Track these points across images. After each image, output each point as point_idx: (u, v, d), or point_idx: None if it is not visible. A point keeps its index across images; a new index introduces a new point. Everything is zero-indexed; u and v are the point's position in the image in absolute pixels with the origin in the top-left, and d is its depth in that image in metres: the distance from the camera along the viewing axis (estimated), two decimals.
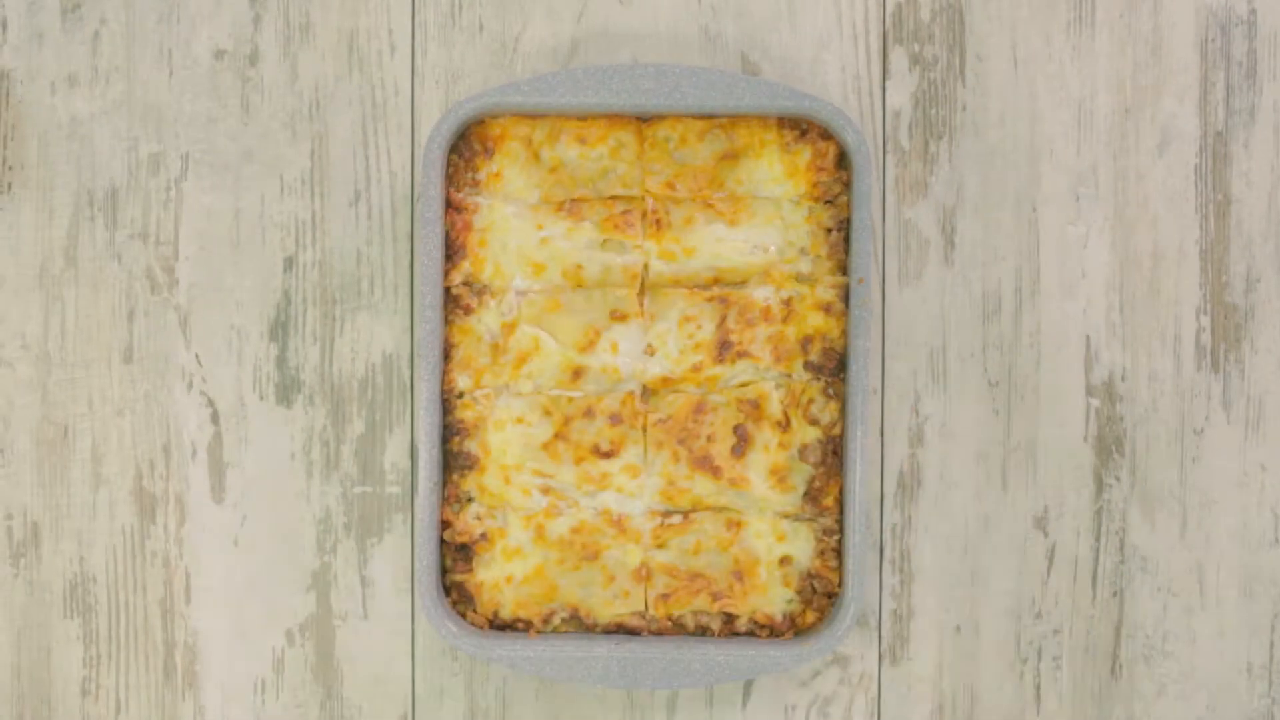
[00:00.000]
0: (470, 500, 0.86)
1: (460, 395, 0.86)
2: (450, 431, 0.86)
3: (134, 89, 0.90)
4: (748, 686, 0.89)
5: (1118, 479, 0.90)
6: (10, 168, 0.90)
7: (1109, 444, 0.90)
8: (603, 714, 0.89)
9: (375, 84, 0.90)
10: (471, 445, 0.86)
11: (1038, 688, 0.89)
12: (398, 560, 0.89)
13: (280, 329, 0.90)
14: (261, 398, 0.90)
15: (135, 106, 0.90)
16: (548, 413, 0.86)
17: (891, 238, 0.90)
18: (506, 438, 0.86)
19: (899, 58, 0.90)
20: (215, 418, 0.90)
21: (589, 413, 0.85)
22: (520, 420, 0.86)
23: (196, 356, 0.90)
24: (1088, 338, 0.90)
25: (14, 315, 0.90)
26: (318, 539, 0.90)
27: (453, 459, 0.86)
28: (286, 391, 0.90)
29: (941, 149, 0.90)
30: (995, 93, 0.90)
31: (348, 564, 0.89)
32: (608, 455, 0.85)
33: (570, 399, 0.86)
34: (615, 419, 0.85)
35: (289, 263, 0.90)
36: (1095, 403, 0.90)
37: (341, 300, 0.90)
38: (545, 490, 0.86)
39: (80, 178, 0.90)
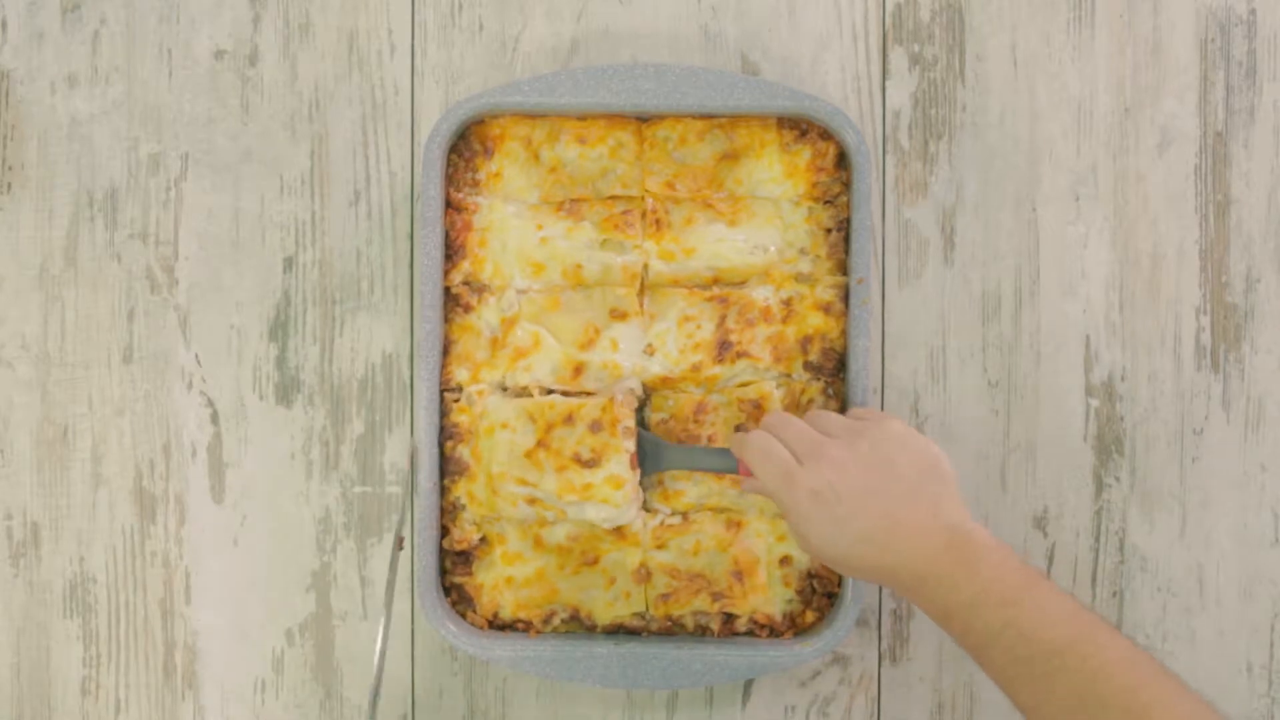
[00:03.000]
0: (463, 508, 0.85)
1: (456, 391, 0.86)
2: (444, 435, 0.86)
3: (134, 89, 0.90)
4: (748, 686, 0.89)
5: (1117, 479, 0.90)
6: (10, 168, 0.90)
7: (1109, 444, 0.90)
8: (603, 714, 0.89)
9: (375, 84, 0.90)
10: (463, 451, 0.85)
11: None
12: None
13: (280, 329, 0.90)
14: (261, 398, 0.90)
15: (135, 106, 0.90)
16: (533, 419, 0.84)
17: (891, 238, 0.90)
18: (495, 444, 0.85)
19: (899, 58, 0.90)
20: (215, 418, 0.90)
21: (569, 419, 0.84)
22: (506, 426, 0.85)
23: (196, 356, 0.90)
24: (1088, 338, 0.90)
25: (14, 315, 0.90)
26: (318, 539, 0.90)
27: (445, 464, 0.86)
28: (286, 391, 0.90)
29: (941, 149, 0.90)
30: (995, 93, 0.90)
31: (348, 564, 0.89)
32: (589, 465, 0.83)
33: (553, 405, 0.84)
34: (595, 426, 0.84)
35: (289, 263, 0.90)
36: (1095, 403, 0.90)
37: (341, 300, 0.90)
38: (530, 500, 0.84)
39: (80, 178, 0.90)
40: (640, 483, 0.86)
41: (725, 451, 0.82)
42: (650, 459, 0.85)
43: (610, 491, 0.83)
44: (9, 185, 0.90)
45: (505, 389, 0.86)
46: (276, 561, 0.90)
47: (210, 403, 0.90)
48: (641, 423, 0.86)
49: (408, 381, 0.90)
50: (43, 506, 0.90)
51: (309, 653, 0.89)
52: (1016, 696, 0.72)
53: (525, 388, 0.86)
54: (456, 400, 0.85)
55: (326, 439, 0.90)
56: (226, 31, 0.90)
